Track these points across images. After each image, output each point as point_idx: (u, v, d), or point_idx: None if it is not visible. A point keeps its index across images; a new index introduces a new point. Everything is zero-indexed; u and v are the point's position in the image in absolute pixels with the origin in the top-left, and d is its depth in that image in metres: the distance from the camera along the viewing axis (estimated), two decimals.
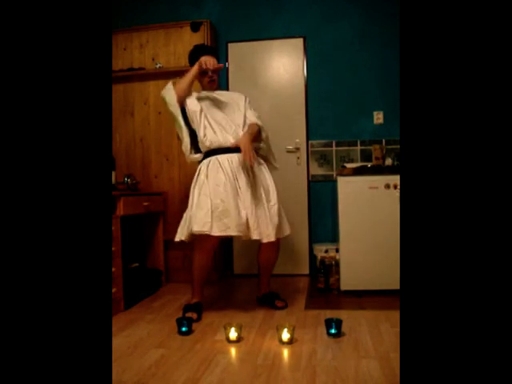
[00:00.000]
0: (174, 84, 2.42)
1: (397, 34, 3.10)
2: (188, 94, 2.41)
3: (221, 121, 2.41)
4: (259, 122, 2.46)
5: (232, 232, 2.20)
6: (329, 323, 1.96)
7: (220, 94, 2.54)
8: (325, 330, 1.98)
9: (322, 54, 3.41)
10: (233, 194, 2.24)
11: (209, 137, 2.35)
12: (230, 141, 2.34)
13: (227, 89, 3.46)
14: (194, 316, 2.25)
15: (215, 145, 2.35)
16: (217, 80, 2.53)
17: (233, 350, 1.83)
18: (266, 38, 3.45)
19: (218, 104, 2.49)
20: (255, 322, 2.21)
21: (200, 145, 2.39)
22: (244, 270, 3.42)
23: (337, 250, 2.82)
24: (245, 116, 2.48)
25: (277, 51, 3.44)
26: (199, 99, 2.44)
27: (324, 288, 2.82)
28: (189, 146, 2.41)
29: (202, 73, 2.44)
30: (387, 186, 2.68)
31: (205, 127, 2.36)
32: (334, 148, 3.38)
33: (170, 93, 2.39)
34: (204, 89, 2.53)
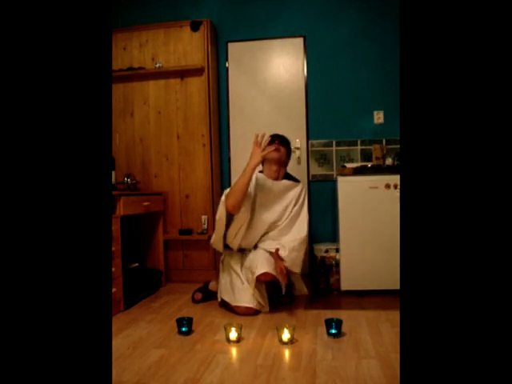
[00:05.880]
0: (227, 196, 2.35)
1: (397, 34, 3.10)
2: (242, 202, 2.31)
3: (257, 222, 2.43)
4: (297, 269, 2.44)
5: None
6: (329, 323, 1.96)
7: (276, 184, 2.48)
8: (325, 330, 1.98)
9: (322, 53, 3.41)
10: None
11: (237, 241, 2.43)
12: (252, 244, 2.51)
13: (227, 89, 3.47)
14: (199, 296, 2.60)
15: (240, 246, 2.48)
16: (281, 174, 2.50)
17: (233, 350, 1.83)
18: (266, 38, 3.44)
19: (267, 194, 2.46)
20: (255, 322, 2.21)
21: (226, 240, 2.48)
22: None
23: (337, 250, 2.82)
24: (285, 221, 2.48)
25: (277, 51, 3.44)
26: (256, 185, 2.43)
27: (324, 288, 2.82)
28: (221, 243, 2.48)
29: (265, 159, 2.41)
30: (387, 186, 2.68)
31: (239, 229, 2.39)
32: (334, 148, 3.38)
33: (219, 229, 2.42)
34: (264, 172, 2.48)
